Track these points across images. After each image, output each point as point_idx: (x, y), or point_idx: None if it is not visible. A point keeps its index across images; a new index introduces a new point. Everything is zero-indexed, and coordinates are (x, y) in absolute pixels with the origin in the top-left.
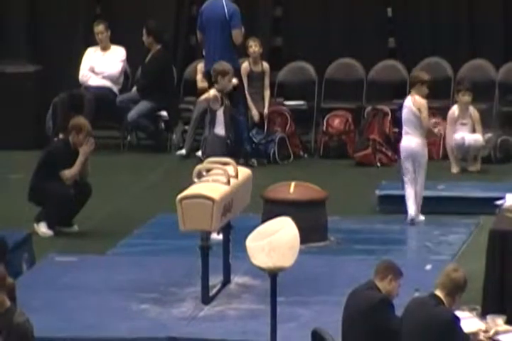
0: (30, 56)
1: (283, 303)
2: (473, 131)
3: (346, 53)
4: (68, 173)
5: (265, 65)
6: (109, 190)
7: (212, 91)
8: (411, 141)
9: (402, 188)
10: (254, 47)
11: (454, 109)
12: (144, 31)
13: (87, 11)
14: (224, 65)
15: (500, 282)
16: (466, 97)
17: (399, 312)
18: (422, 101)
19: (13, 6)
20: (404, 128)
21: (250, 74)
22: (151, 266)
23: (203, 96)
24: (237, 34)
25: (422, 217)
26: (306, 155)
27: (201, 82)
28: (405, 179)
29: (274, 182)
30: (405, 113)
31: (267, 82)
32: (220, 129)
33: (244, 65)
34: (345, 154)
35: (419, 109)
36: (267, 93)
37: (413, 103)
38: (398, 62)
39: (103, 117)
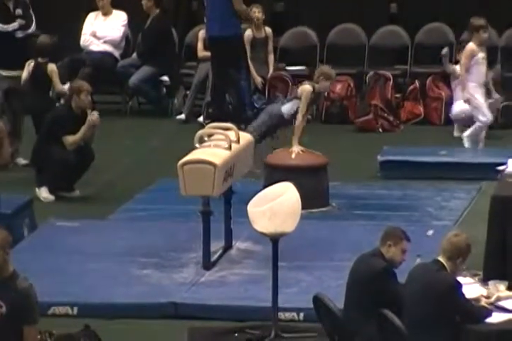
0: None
1: (284, 268)
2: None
3: (348, 18)
4: (71, 139)
5: (268, 30)
6: (110, 154)
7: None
8: None
9: None
10: (257, 13)
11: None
12: None
13: None
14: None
15: (502, 248)
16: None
17: (402, 278)
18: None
19: None
20: None
21: (253, 41)
22: (152, 231)
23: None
24: (237, 0)
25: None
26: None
27: (202, 51)
28: None
29: (275, 148)
30: None
31: (270, 47)
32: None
33: (247, 33)
34: (346, 119)
35: None
36: (271, 58)
37: None
38: (400, 27)
39: (105, 82)
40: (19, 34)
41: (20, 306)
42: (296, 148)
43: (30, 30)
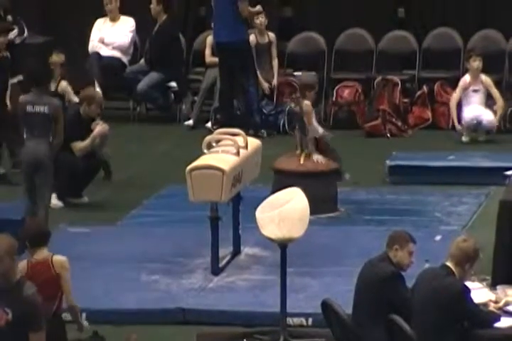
0: (40, 27)
1: (293, 274)
2: (486, 97)
3: (356, 24)
4: (79, 145)
5: (271, 35)
6: (118, 160)
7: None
8: None
9: None
10: (260, 18)
11: (466, 78)
12: None
13: None
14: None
15: (510, 252)
16: (477, 63)
17: (410, 282)
18: None
19: None
20: None
21: (257, 46)
22: (161, 237)
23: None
24: (243, 6)
25: None
26: None
27: (210, 57)
28: None
29: (283, 153)
30: None
31: (274, 51)
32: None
33: (251, 38)
34: (355, 125)
35: None
36: (275, 62)
37: None
38: (408, 32)
39: (113, 88)
40: (17, 40)
41: (26, 313)
42: (317, 156)
43: (25, 35)
